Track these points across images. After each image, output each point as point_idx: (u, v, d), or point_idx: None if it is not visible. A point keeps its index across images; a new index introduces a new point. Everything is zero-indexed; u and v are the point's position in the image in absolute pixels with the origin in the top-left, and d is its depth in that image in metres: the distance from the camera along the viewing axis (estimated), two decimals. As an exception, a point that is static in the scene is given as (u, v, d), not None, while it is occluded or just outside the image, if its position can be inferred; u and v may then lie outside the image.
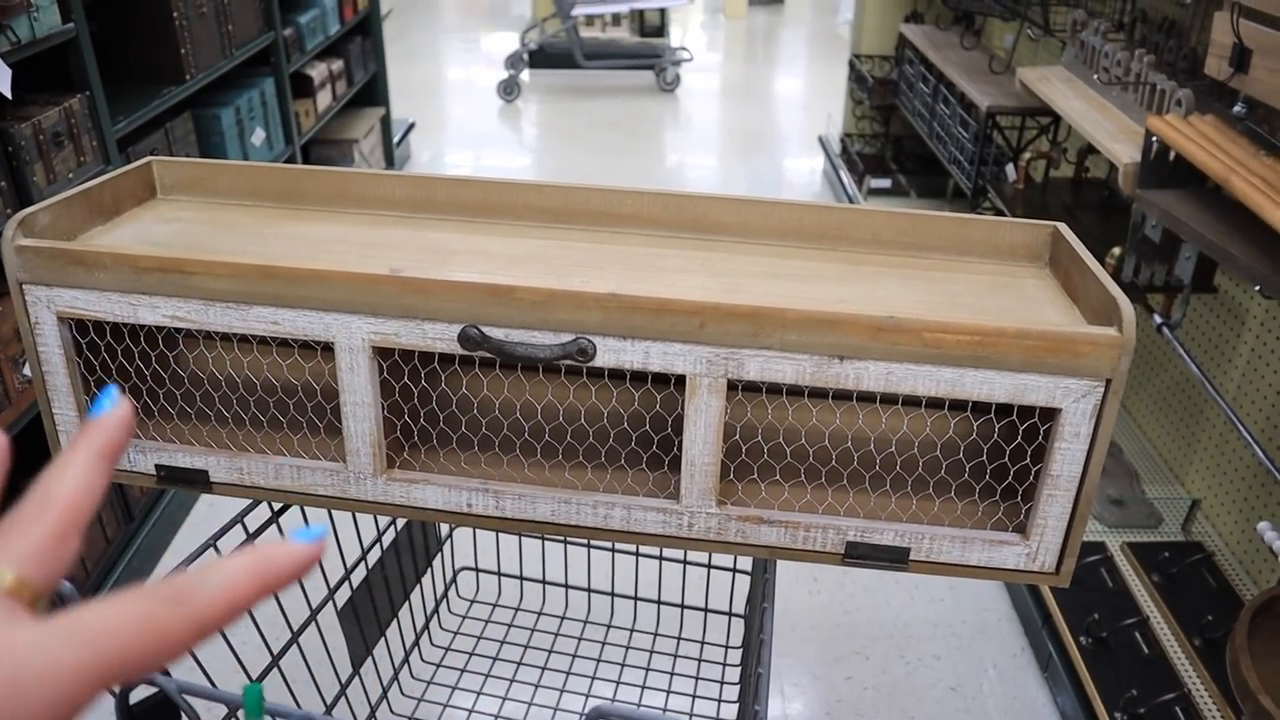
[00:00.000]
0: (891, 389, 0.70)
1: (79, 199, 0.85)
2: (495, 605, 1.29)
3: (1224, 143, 1.45)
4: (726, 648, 1.21)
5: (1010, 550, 0.75)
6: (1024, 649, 1.89)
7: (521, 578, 1.30)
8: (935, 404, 0.92)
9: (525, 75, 6.05)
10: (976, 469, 0.85)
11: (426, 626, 1.24)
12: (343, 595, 1.06)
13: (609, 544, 1.17)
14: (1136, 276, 1.71)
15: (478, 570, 1.33)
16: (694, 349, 0.70)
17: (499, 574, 1.30)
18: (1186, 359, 1.65)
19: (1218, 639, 1.68)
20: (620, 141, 5.03)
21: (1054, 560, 0.75)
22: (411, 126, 4.62)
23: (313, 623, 1.00)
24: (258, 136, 2.77)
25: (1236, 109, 1.48)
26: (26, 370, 1.70)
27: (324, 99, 3.38)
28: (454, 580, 1.33)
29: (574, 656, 1.21)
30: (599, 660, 1.20)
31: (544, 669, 1.21)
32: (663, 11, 6.38)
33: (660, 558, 1.20)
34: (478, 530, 1.24)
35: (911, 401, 0.92)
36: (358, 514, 0.96)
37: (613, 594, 1.24)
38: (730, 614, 1.20)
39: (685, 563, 1.20)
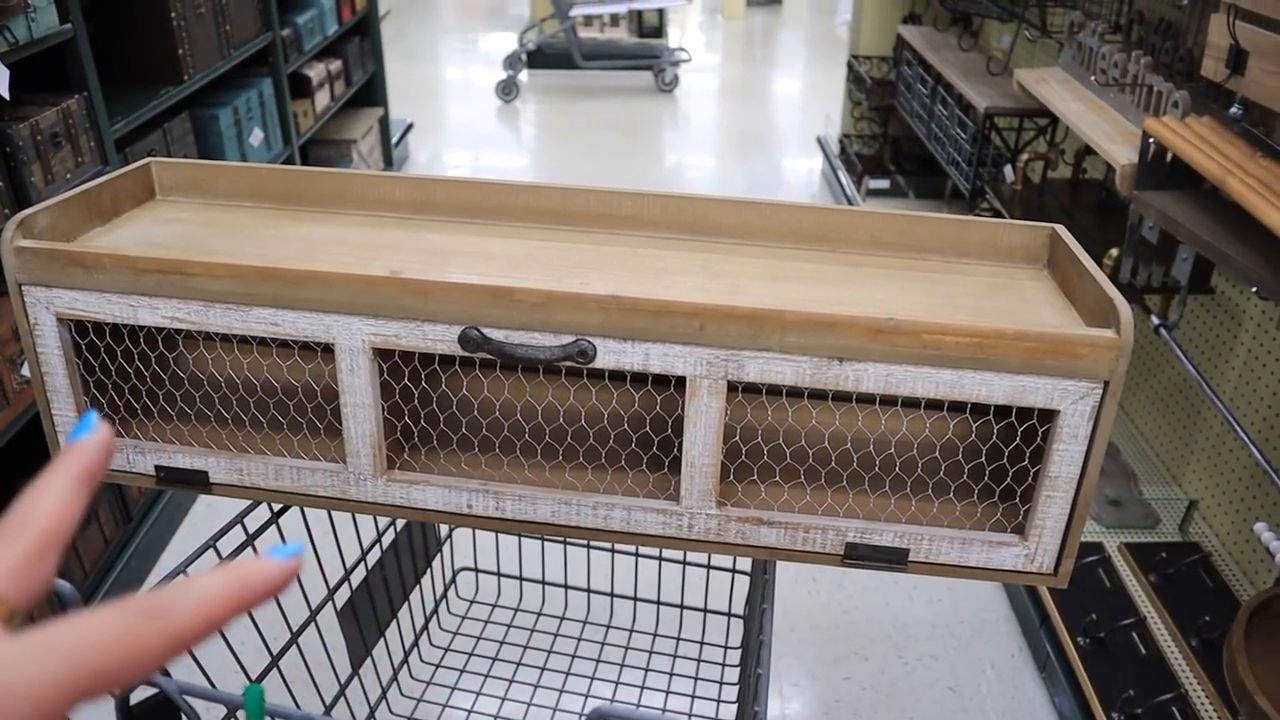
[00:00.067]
0: (891, 390, 0.70)
1: (78, 200, 0.85)
2: (494, 606, 1.29)
3: (1221, 144, 1.46)
4: (725, 648, 1.21)
5: (1009, 551, 0.75)
6: (1022, 649, 1.89)
7: (521, 578, 1.30)
8: (934, 405, 0.92)
9: (523, 76, 6.05)
10: (975, 470, 0.85)
11: (426, 627, 1.24)
12: (342, 596, 1.06)
13: (608, 544, 1.17)
14: (1134, 277, 1.71)
15: (477, 571, 1.33)
16: (694, 351, 0.70)
17: (498, 574, 1.30)
18: (1184, 360, 1.65)
19: (1215, 639, 1.68)
20: (619, 142, 5.03)
21: (1052, 561, 0.75)
22: (410, 127, 4.62)
23: (312, 623, 1.00)
24: (256, 137, 2.77)
25: (1233, 111, 1.48)
26: (25, 371, 1.69)
27: (322, 99, 3.38)
28: (453, 581, 1.33)
29: (573, 657, 1.21)
30: (598, 660, 1.21)
31: (543, 669, 1.21)
32: (661, 12, 6.39)
33: (659, 558, 1.21)
34: (477, 531, 1.24)
35: (910, 403, 0.92)
36: (357, 515, 0.96)
37: (612, 594, 1.24)
38: (729, 614, 1.21)
39: (685, 563, 1.20)
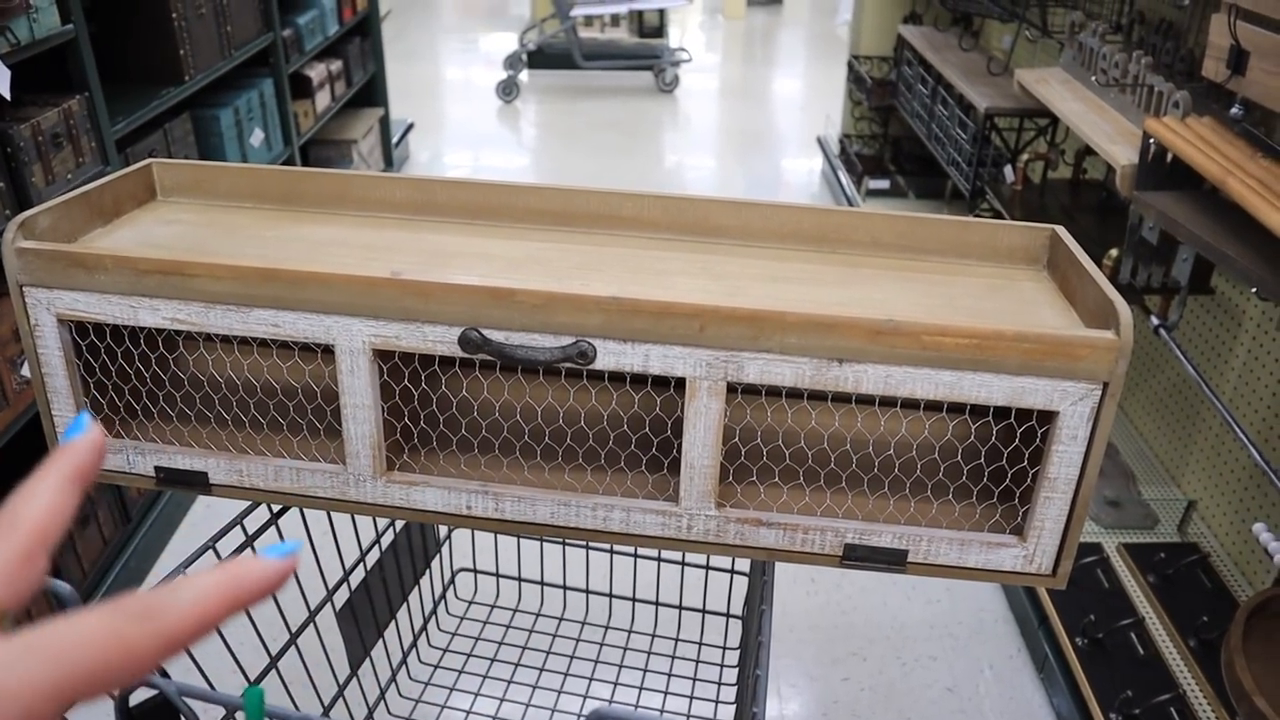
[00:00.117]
0: (890, 392, 0.70)
1: (79, 201, 0.85)
2: (493, 606, 1.29)
3: (1221, 145, 1.46)
4: (724, 649, 1.21)
5: (1007, 552, 0.75)
6: (1020, 650, 1.89)
7: (520, 579, 1.30)
8: (933, 406, 0.92)
9: (524, 76, 6.05)
10: (974, 471, 0.85)
11: (425, 628, 1.24)
12: (341, 596, 1.06)
13: (607, 545, 1.17)
14: (1134, 278, 1.71)
15: (476, 571, 1.33)
16: (694, 352, 0.70)
17: (497, 575, 1.30)
18: (1183, 360, 1.65)
19: (1213, 640, 1.68)
20: (619, 142, 5.03)
21: (1051, 562, 0.75)
22: (410, 127, 4.62)
23: (311, 624, 1.00)
24: (256, 137, 2.78)
25: (1234, 111, 1.49)
26: (25, 371, 1.70)
27: (323, 100, 3.38)
28: (452, 581, 1.33)
29: (571, 658, 1.21)
30: (596, 661, 1.21)
31: (541, 670, 1.21)
32: (661, 12, 6.39)
33: (658, 559, 1.21)
34: (476, 531, 1.24)
35: (910, 404, 0.92)
36: (356, 515, 0.96)
37: (610, 595, 1.24)
38: (728, 615, 1.21)
39: (683, 564, 1.20)
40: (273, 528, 0.95)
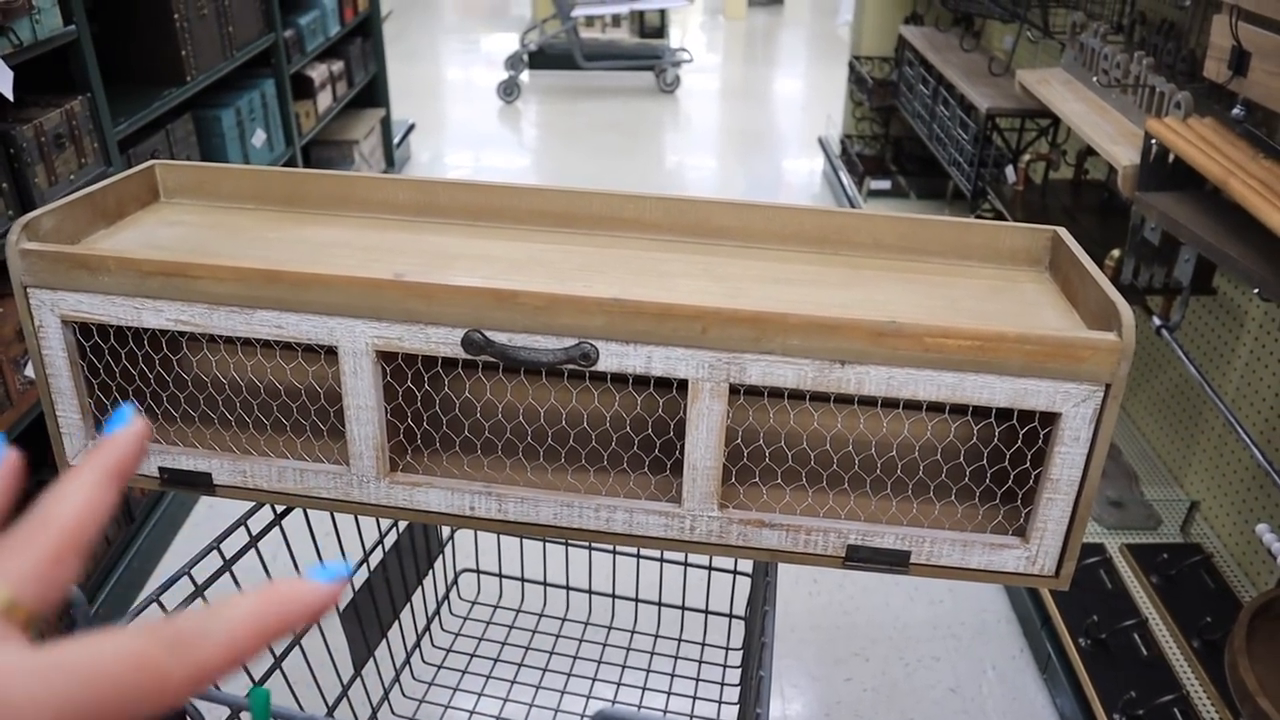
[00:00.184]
0: (892, 393, 0.70)
1: (83, 202, 0.86)
2: (496, 607, 1.29)
3: (1223, 145, 1.46)
4: (727, 649, 1.21)
5: (1010, 553, 0.75)
6: (1023, 650, 1.89)
7: (523, 579, 1.30)
8: (936, 408, 0.92)
9: (525, 76, 6.05)
10: (977, 473, 0.85)
11: (428, 628, 1.24)
12: (345, 597, 1.06)
13: (610, 546, 1.17)
14: (1135, 278, 1.71)
15: (479, 572, 1.33)
16: (696, 354, 0.70)
17: (500, 576, 1.30)
18: (1185, 361, 1.65)
19: (1216, 641, 1.68)
20: (620, 143, 5.03)
21: (1054, 563, 0.75)
22: (412, 127, 4.62)
23: (315, 624, 1.01)
24: (258, 138, 2.78)
25: (1235, 112, 1.49)
26: (28, 371, 1.70)
27: (324, 100, 3.39)
28: (455, 582, 1.33)
29: (575, 658, 1.21)
30: (600, 662, 1.21)
31: (545, 670, 1.21)
32: (662, 13, 6.39)
33: (661, 560, 1.21)
34: (479, 532, 1.24)
35: (912, 405, 0.92)
36: (360, 516, 0.97)
37: (614, 596, 1.24)
38: (731, 616, 1.21)
39: (686, 565, 1.20)
40: (276, 529, 0.95)
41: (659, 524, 0.78)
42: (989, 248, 0.88)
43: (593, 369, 0.72)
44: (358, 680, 1.08)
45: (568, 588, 1.25)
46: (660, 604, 1.22)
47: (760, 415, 0.91)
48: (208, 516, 2.20)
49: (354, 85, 3.74)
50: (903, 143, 3.98)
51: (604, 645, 1.22)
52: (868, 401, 0.88)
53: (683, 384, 0.73)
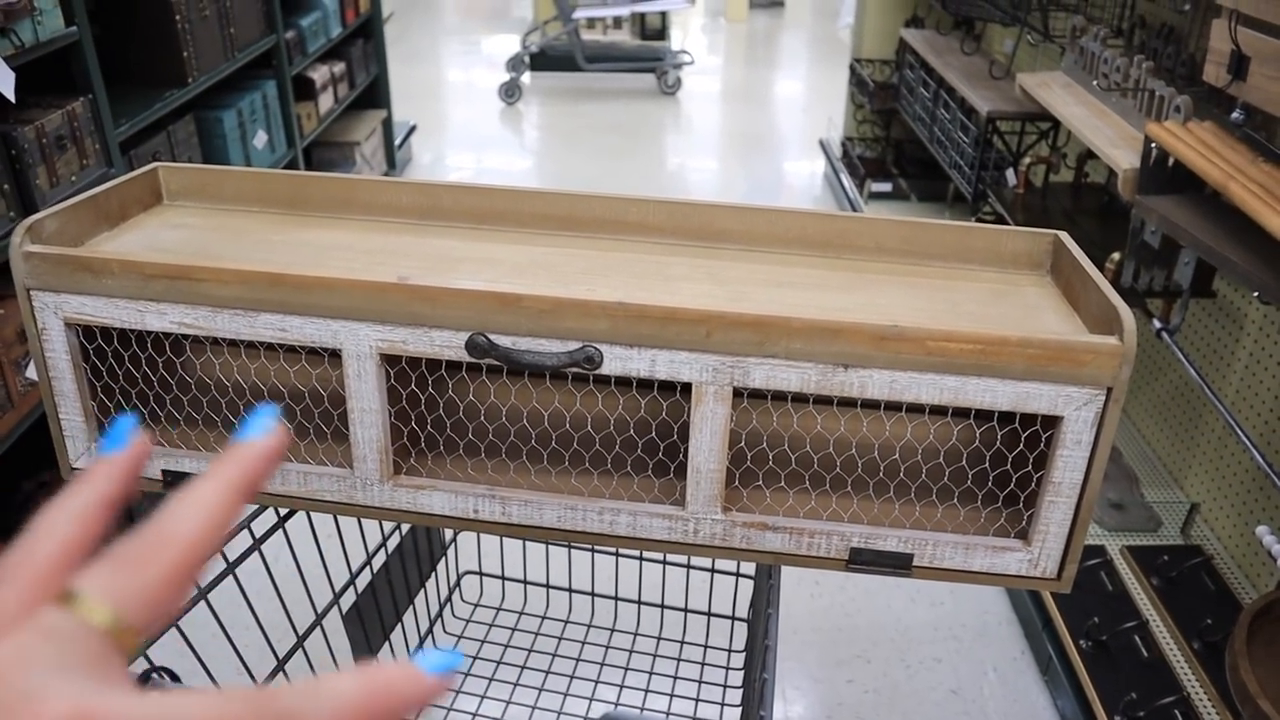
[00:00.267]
0: (895, 397, 0.70)
1: (86, 205, 0.86)
2: (499, 609, 1.29)
3: (1222, 149, 1.46)
4: (730, 651, 1.21)
5: (1012, 556, 0.76)
6: (1024, 652, 1.89)
7: (525, 582, 1.30)
8: (938, 411, 0.93)
9: (526, 78, 6.05)
10: (979, 476, 0.85)
11: (430, 631, 1.24)
12: (348, 600, 1.06)
13: (613, 549, 1.17)
14: (1136, 281, 1.71)
15: (482, 575, 1.33)
16: (700, 357, 0.71)
17: (503, 578, 1.31)
18: (1185, 364, 1.65)
19: (1217, 642, 1.68)
20: (621, 144, 5.04)
21: (1056, 566, 0.75)
22: (413, 129, 4.62)
23: (318, 627, 1.01)
24: (259, 139, 2.78)
25: (1235, 115, 1.49)
26: (29, 373, 1.70)
27: (326, 101, 3.39)
28: (458, 584, 1.33)
29: (577, 660, 1.22)
30: (603, 664, 1.21)
31: (547, 673, 1.21)
32: (664, 14, 6.39)
33: (664, 562, 1.21)
34: (481, 535, 1.24)
35: (914, 408, 0.92)
36: (363, 519, 0.97)
37: (616, 598, 1.24)
38: (733, 618, 1.21)
39: (689, 567, 1.21)
40: (279, 531, 0.95)
41: (663, 527, 0.78)
42: (991, 251, 0.88)
43: (597, 372, 0.72)
44: (360, 682, 1.08)
45: (570, 590, 1.25)
46: (663, 606, 1.23)
47: (764, 418, 0.91)
48: (209, 518, 2.20)
49: (355, 87, 3.74)
50: (903, 145, 3.99)
51: (607, 648, 1.22)
52: (870, 404, 0.89)
53: (686, 387, 0.73)
